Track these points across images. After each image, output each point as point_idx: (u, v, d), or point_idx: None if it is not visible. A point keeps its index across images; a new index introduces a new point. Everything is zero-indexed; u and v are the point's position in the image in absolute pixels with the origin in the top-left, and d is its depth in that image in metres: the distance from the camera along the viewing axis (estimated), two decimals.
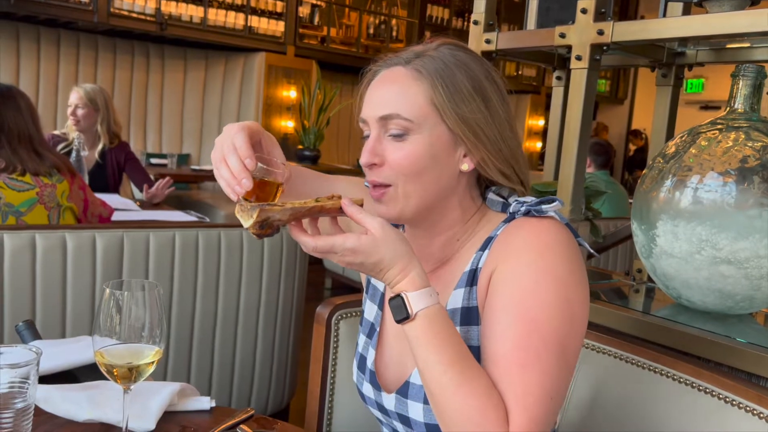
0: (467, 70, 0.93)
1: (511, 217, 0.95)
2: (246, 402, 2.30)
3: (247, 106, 6.01)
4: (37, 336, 1.33)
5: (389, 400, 1.01)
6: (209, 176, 5.44)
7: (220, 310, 2.21)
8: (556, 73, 1.88)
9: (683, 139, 1.39)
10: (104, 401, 1.04)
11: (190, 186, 5.76)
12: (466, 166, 0.94)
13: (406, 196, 0.93)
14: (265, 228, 0.83)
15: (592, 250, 1.00)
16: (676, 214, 1.31)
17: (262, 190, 0.91)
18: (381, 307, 1.10)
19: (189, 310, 2.15)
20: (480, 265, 0.94)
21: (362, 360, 1.11)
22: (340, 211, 0.87)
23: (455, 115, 0.90)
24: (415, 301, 0.84)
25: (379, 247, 0.84)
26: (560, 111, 1.84)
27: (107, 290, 0.92)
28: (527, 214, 0.93)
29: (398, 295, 0.85)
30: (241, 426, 1.01)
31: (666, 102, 1.70)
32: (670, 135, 1.71)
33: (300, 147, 6.09)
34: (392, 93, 0.92)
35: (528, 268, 0.87)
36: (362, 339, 1.13)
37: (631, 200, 4.61)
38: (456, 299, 0.96)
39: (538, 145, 8.13)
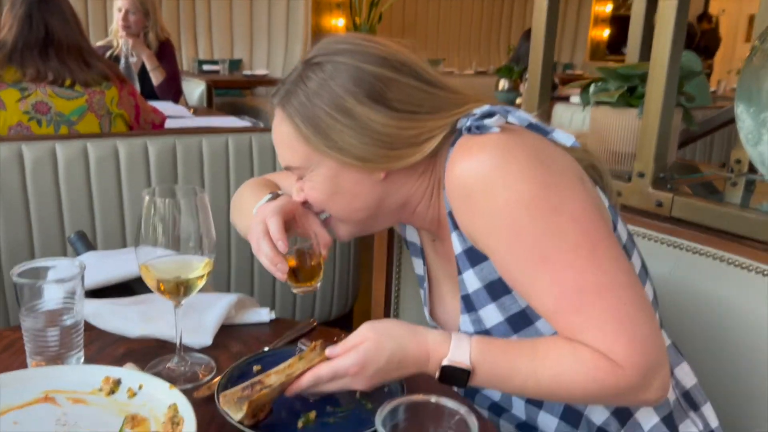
0: (326, 90, 0.85)
1: (458, 136, 0.85)
2: (310, 309, 2.27)
3: (296, 7, 5.77)
4: (90, 246, 1.27)
5: None
6: (262, 81, 5.33)
7: None
8: None
9: None
10: (157, 315, 0.97)
11: (242, 92, 5.67)
12: (380, 174, 0.87)
13: (341, 220, 0.92)
14: (258, 413, 0.77)
15: (573, 142, 0.85)
16: None
17: (303, 261, 0.93)
18: (423, 258, 1.04)
19: None
20: (459, 224, 0.85)
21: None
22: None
23: (330, 150, 0.85)
24: (459, 356, 0.77)
25: (382, 344, 0.78)
26: None
27: (146, 197, 0.83)
28: (469, 131, 0.83)
29: (442, 369, 0.78)
30: (301, 340, 0.94)
31: None
32: None
33: None
34: (277, 143, 0.91)
35: (505, 211, 0.77)
36: (421, 293, 1.08)
37: (713, 88, 4.24)
38: (471, 282, 0.88)
39: (605, 33, 7.60)
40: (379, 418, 0.59)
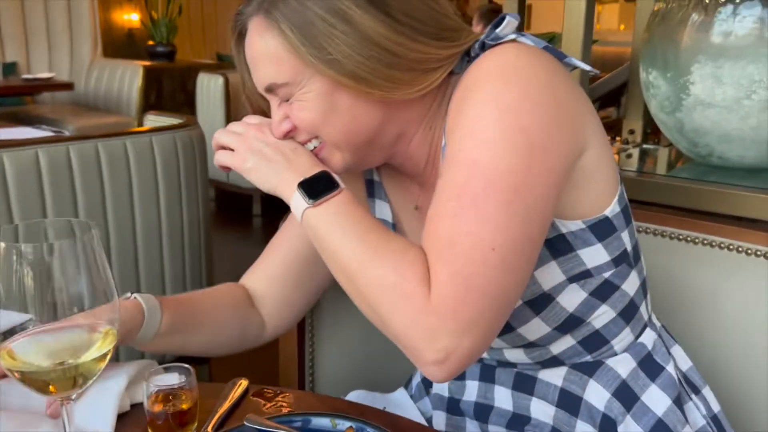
0: None
1: (473, 59, 0.76)
2: None
3: (77, 2, 5.10)
4: None
5: None
6: (48, 85, 4.63)
7: (114, 239, 1.79)
8: None
9: None
10: (29, 415, 0.65)
11: (24, 99, 4.90)
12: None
13: (337, 146, 0.78)
14: None
15: (589, 68, 0.81)
16: (718, 54, 1.07)
17: (170, 403, 0.69)
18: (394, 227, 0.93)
19: None
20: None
21: None
22: None
23: (323, 64, 0.73)
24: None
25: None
26: None
27: (2, 245, 0.53)
28: (483, 48, 0.74)
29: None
30: (248, 416, 0.68)
31: None
32: None
33: (151, 43, 5.34)
34: (260, 58, 0.78)
35: (467, 106, 0.69)
36: None
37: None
38: None
39: None
40: None
